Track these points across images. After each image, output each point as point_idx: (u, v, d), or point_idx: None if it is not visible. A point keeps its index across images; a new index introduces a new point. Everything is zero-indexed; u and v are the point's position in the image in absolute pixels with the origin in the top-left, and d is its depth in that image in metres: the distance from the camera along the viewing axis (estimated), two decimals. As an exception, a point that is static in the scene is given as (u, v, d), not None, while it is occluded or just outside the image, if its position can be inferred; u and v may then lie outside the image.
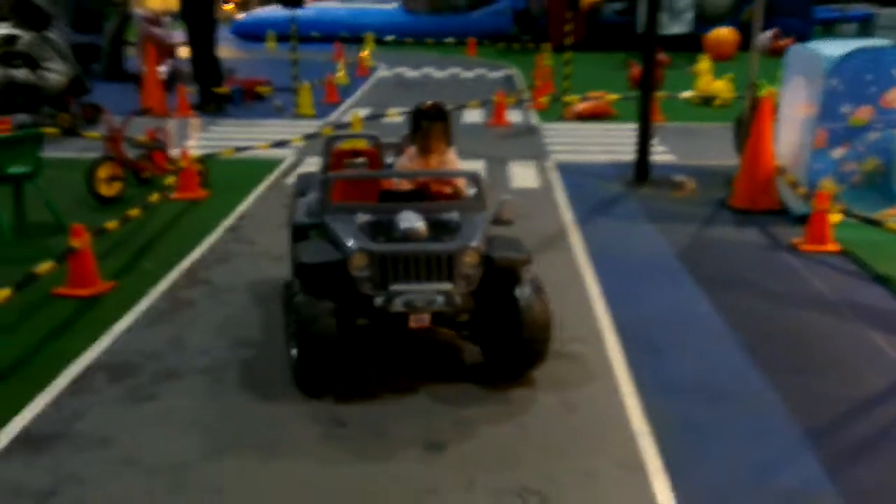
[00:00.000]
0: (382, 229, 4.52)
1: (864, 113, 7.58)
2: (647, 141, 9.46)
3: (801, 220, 7.70)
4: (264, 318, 5.50)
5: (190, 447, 4.02)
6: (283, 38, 25.58)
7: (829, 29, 27.36)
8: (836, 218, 7.25)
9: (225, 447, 4.01)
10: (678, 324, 5.54)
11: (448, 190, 5.09)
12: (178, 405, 4.42)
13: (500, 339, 4.54)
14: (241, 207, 8.30)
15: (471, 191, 5.10)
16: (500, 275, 4.50)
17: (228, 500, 3.61)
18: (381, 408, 4.40)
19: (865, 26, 28.75)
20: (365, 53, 21.32)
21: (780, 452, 4.04)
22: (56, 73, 11.84)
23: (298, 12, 14.52)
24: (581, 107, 13.83)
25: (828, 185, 7.58)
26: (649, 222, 7.90)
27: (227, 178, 9.29)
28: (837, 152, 7.71)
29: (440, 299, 4.29)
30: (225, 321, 5.48)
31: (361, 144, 5.74)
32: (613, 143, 11.71)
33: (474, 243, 4.43)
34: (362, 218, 4.64)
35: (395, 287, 4.30)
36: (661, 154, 10.56)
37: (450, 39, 26.82)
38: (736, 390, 4.64)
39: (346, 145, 5.70)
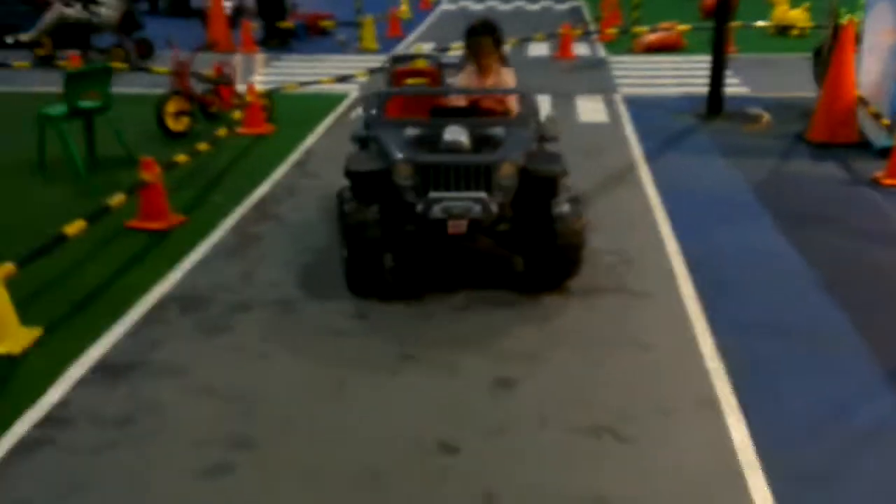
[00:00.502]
0: (429, 142, 4.74)
1: (955, 40, 7.18)
2: (720, 72, 9.13)
3: (883, 153, 7.40)
4: (331, 253, 5.50)
5: (261, 377, 4.07)
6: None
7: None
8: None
9: (295, 381, 4.05)
10: (753, 261, 5.38)
11: (500, 108, 5.25)
12: (249, 337, 4.47)
13: (537, 248, 4.74)
14: (307, 142, 8.29)
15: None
16: (538, 186, 4.64)
17: (299, 431, 3.65)
18: (446, 336, 4.41)
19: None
20: (427, -14, 20.97)
21: (858, 391, 3.92)
22: (108, 8, 11.92)
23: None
24: (651, 38, 13.42)
25: (913, 116, 7.23)
26: (722, 156, 7.67)
27: (292, 113, 9.29)
28: (924, 82, 7.33)
29: (477, 207, 4.49)
30: (294, 256, 5.50)
31: (423, 64, 6.04)
32: (685, 75, 11.38)
33: (512, 156, 4.60)
34: (412, 131, 4.90)
35: (434, 195, 4.51)
36: (734, 86, 10.22)
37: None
38: (812, 328, 4.50)
39: (412, 65, 6.07)
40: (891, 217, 6.11)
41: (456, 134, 4.68)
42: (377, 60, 12.67)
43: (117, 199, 5.51)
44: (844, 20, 12.90)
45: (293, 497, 3.23)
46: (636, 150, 7.91)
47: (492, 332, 4.48)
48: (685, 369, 4.12)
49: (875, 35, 7.88)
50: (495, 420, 3.69)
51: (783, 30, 14.66)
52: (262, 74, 11.88)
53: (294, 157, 7.79)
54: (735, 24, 12.40)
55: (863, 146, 7.75)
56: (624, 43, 13.90)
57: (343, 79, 10.52)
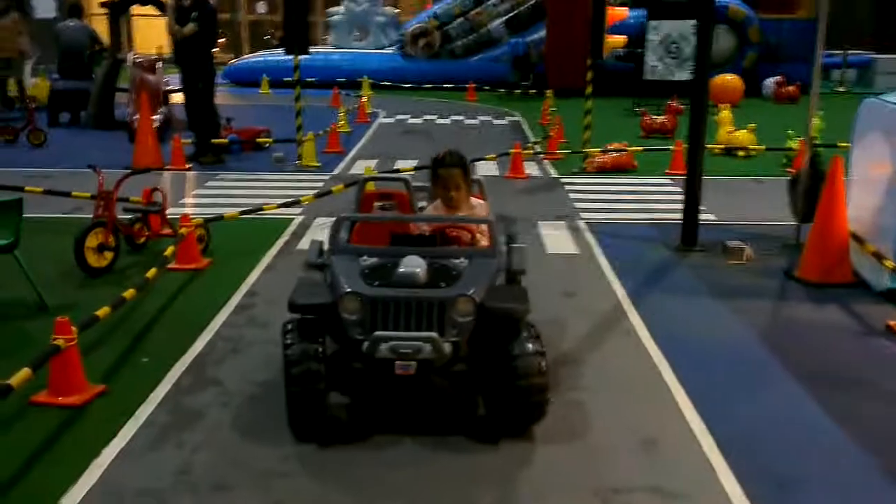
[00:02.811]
0: (383, 273, 4.46)
1: (956, 175, 6.72)
2: (695, 202, 8.56)
3: (887, 295, 6.83)
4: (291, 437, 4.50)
5: None
6: (275, 83, 24.89)
7: (826, 75, 26.81)
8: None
9: None
10: (796, 442, 4.56)
11: (466, 236, 5.00)
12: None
13: (497, 390, 4.40)
14: (251, 279, 7.31)
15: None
16: (497, 325, 4.36)
17: None
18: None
19: (865, 72, 28.43)
20: (364, 99, 20.53)
21: None
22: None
23: (300, 58, 13.63)
24: (603, 159, 12.98)
25: (917, 256, 6.69)
26: (715, 298, 6.96)
27: (230, 242, 8.33)
28: (927, 219, 6.83)
29: (427, 347, 4.16)
30: (242, 441, 4.47)
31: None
32: (646, 199, 10.86)
33: (469, 291, 4.31)
34: (368, 260, 4.64)
35: (381, 333, 4.20)
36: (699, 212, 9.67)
37: (448, 85, 26.13)
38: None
39: (371, 186, 5.89)
40: (923, 376, 5.43)
41: (412, 265, 4.38)
42: (320, 179, 11.92)
43: (21, 375, 4.39)
44: (794, 144, 12.82)
45: None
46: (618, 289, 7.16)
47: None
48: None
49: (866, 168, 7.42)
50: None
51: (729, 150, 14.46)
52: (194, 196, 10.90)
53: (236, 299, 6.78)
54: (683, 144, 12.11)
55: (858, 286, 7.18)
56: (573, 162, 13.45)
57: (289, 204, 9.62)
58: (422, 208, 5.55)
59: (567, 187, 11.75)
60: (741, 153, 14.30)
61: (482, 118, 19.97)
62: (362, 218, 5.30)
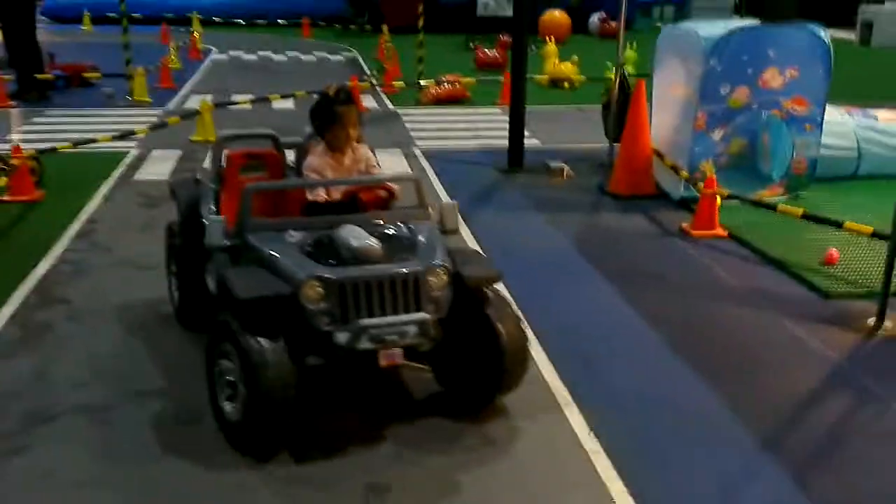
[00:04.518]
0: (329, 251, 3.81)
1: (741, 94, 7.60)
2: (520, 127, 9.20)
3: (681, 203, 7.69)
4: (145, 341, 4.76)
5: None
6: (98, 19, 23.80)
7: (647, 12, 28.25)
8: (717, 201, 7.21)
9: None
10: (600, 327, 5.24)
11: (382, 194, 4.33)
12: (56, 459, 3.68)
13: (473, 366, 4.02)
14: (88, 209, 7.35)
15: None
16: (468, 295, 3.95)
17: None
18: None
19: (681, 8, 30.06)
20: (196, 35, 20.06)
21: (743, 466, 3.78)
22: None
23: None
24: (438, 91, 13.46)
25: (708, 167, 7.54)
26: (537, 212, 7.63)
27: (64, 176, 8.27)
28: (717, 134, 7.70)
29: (412, 330, 3.70)
30: (97, 349, 4.70)
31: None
32: (477, 128, 11.43)
33: (440, 261, 3.84)
34: (295, 236, 3.94)
35: (362, 321, 3.64)
36: (526, 138, 10.31)
37: (282, 21, 25.80)
38: (678, 400, 4.35)
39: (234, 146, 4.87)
40: (706, 268, 6.26)
41: (360, 237, 3.79)
42: (152, 114, 11.79)
43: None
44: (608, 73, 13.71)
45: None
46: (449, 208, 7.69)
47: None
48: (562, 454, 3.83)
49: (665, 90, 8.22)
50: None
51: (555, 82, 15.25)
52: (20, 133, 10.58)
53: (76, 227, 6.85)
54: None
55: (660, 197, 8.02)
56: (408, 95, 13.86)
57: (124, 136, 9.54)
58: (293, 167, 4.88)
59: (404, 118, 12.16)
60: (566, 84, 15.12)
61: (318, 54, 19.98)
62: (275, 186, 4.57)
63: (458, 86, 13.60)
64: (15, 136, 10.07)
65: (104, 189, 8.00)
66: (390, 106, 13.21)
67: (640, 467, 3.72)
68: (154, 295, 5.27)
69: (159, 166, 8.93)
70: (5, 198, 7.33)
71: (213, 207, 4.49)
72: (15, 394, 4.21)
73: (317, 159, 4.42)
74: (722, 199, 7.16)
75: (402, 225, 4.07)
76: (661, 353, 4.91)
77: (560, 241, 6.85)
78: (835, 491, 3.61)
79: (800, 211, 6.88)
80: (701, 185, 7.12)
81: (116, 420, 4.00)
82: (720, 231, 6.99)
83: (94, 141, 9.02)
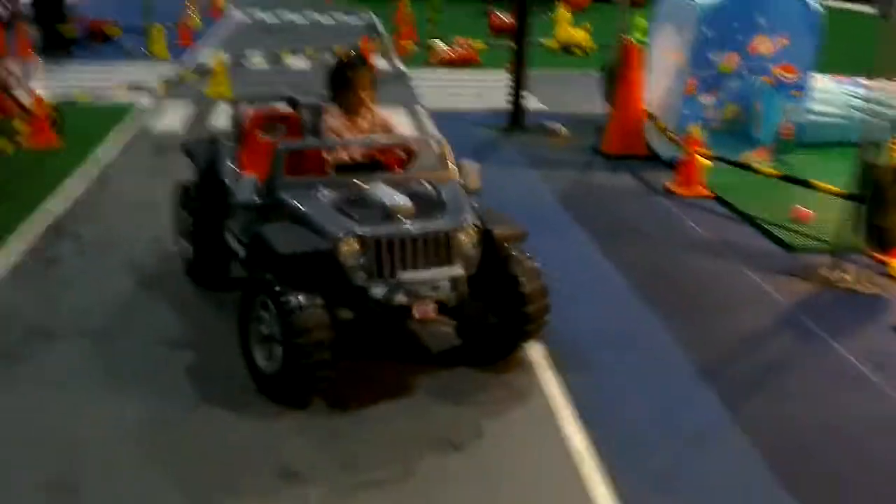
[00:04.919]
0: (362, 208, 3.93)
1: (731, 60, 7.87)
2: (520, 89, 9.50)
3: (670, 164, 7.99)
4: (148, 275, 5.18)
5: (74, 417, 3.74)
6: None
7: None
8: (705, 163, 7.51)
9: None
10: (572, 273, 5.57)
11: (402, 155, 4.51)
12: (56, 370, 4.10)
13: (506, 313, 4.18)
14: (107, 157, 7.76)
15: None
16: (498, 251, 4.13)
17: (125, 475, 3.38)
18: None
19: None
20: (218, -7, 20.38)
21: (683, 393, 4.16)
22: None
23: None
24: (449, 53, 13.74)
25: (695, 130, 7.83)
26: (530, 168, 7.98)
27: (82, 125, 8.67)
28: (706, 98, 7.98)
29: (446, 285, 3.84)
30: (104, 281, 5.12)
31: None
32: (484, 91, 11.71)
33: (470, 219, 3.99)
34: (326, 195, 4.04)
35: (399, 276, 3.77)
36: (531, 102, 10.62)
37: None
38: (634, 335, 4.74)
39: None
40: (683, 224, 6.58)
41: (391, 196, 3.92)
42: (170, 69, 12.16)
43: None
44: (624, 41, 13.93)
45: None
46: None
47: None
48: (517, 378, 4.21)
49: (660, 55, 8.48)
50: None
51: (566, 48, 15.47)
52: (44, 83, 10.98)
53: (92, 171, 7.27)
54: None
55: (651, 158, 8.31)
56: (420, 57, 14.14)
57: (138, 87, 9.93)
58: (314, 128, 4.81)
59: (414, 79, 12.46)
60: (577, 50, 15.34)
61: (337, 16, 20.25)
62: (307, 146, 4.56)
63: (469, 49, 13.87)
64: (38, 87, 10.47)
65: (119, 138, 8.40)
66: (401, 68, 13.50)
67: (590, 394, 4.09)
68: (159, 234, 5.66)
69: (172, 118, 9.34)
70: (26, 143, 7.74)
71: (232, 166, 4.62)
72: (19, 314, 4.63)
73: (335, 121, 4.53)
74: (705, 159, 7.46)
75: (426, 184, 4.23)
76: (625, 295, 5.28)
77: (549, 196, 7.20)
78: (765, 418, 3.96)
79: (779, 173, 7.18)
80: (684, 146, 7.42)
81: (115, 346, 4.38)
82: (703, 190, 7.30)
83: (109, 90, 9.41)
